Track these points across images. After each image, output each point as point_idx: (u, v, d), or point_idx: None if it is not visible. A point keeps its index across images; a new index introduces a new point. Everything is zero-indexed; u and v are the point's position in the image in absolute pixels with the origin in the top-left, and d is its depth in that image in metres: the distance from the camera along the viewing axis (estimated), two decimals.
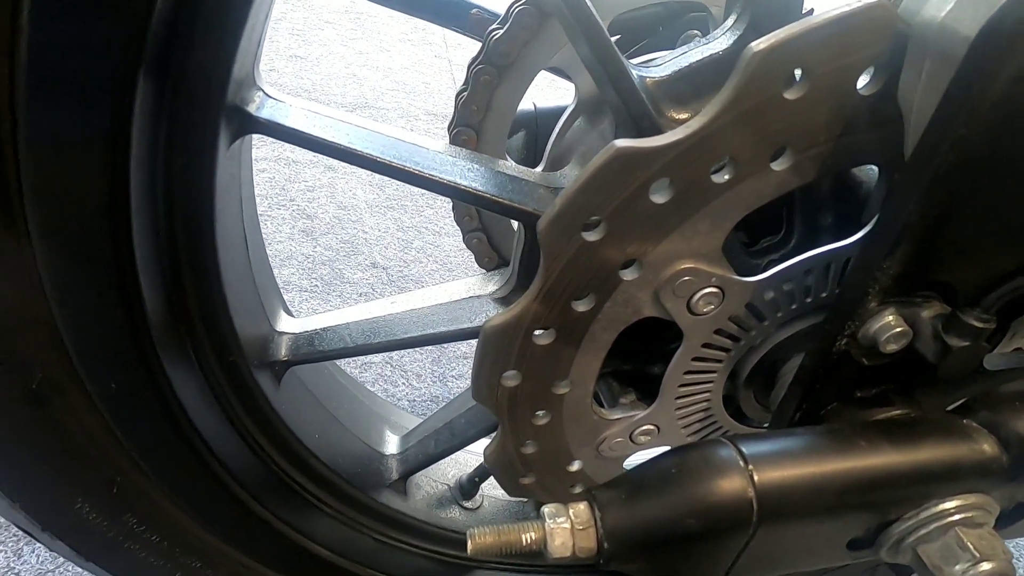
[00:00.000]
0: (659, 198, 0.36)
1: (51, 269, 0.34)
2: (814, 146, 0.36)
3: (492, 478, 0.79)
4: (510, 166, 0.55)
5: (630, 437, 0.52)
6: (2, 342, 0.35)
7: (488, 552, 0.36)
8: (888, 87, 0.34)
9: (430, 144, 0.52)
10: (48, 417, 0.39)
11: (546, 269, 0.39)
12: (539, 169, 0.69)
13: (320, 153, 0.46)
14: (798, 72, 0.34)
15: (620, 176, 0.35)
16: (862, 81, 0.35)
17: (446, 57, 2.17)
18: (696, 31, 0.75)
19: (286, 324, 0.60)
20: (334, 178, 1.59)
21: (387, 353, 1.26)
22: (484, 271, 0.89)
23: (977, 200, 0.33)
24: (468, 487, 0.77)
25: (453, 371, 1.28)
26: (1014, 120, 0.31)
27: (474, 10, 0.72)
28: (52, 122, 0.30)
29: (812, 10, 0.59)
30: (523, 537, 0.36)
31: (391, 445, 0.74)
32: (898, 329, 0.36)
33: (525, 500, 0.83)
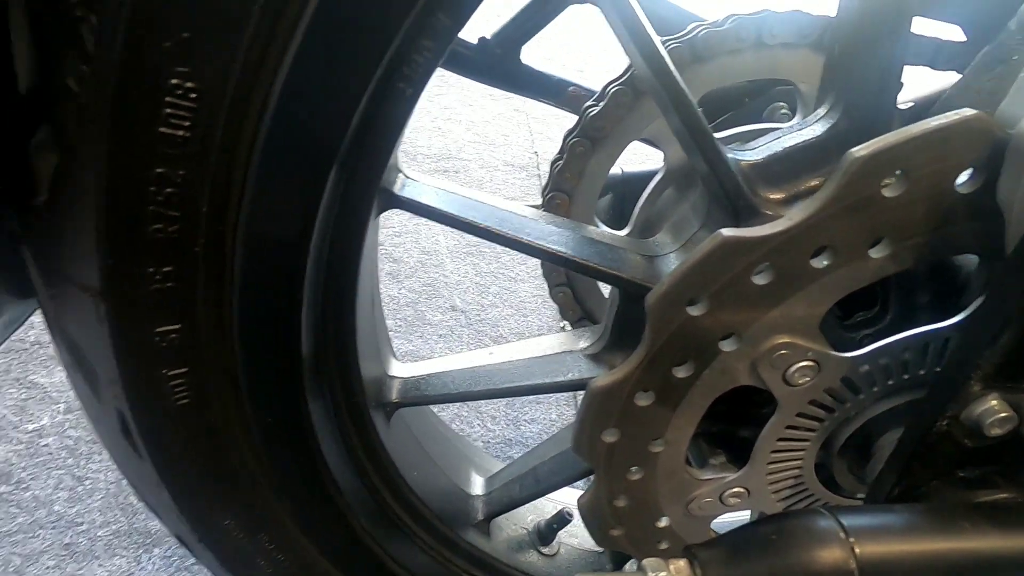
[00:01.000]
0: (760, 280, 0.40)
1: (242, 330, 0.41)
2: (912, 237, 0.39)
3: (569, 526, 0.82)
4: (606, 234, 0.60)
5: (720, 498, 0.53)
6: (197, 385, 0.42)
7: None
8: (987, 186, 0.37)
9: (537, 216, 0.57)
10: (216, 445, 0.46)
11: (651, 338, 0.43)
12: (626, 232, 0.74)
13: (449, 226, 0.53)
14: (896, 172, 0.37)
15: (725, 261, 0.39)
16: (960, 179, 0.37)
17: (524, 111, 2.28)
18: (782, 103, 0.78)
19: (396, 369, 0.66)
20: (419, 224, 1.70)
21: None
22: (566, 322, 0.94)
23: None
24: (546, 533, 0.80)
25: (526, 415, 1.31)
26: None
27: (571, 87, 0.79)
28: (265, 218, 0.37)
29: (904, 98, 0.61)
30: None
31: (477, 486, 0.78)
32: (1003, 414, 0.37)
33: (601, 551, 0.84)
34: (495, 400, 1.33)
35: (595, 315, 0.92)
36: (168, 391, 0.42)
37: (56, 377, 1.13)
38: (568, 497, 0.87)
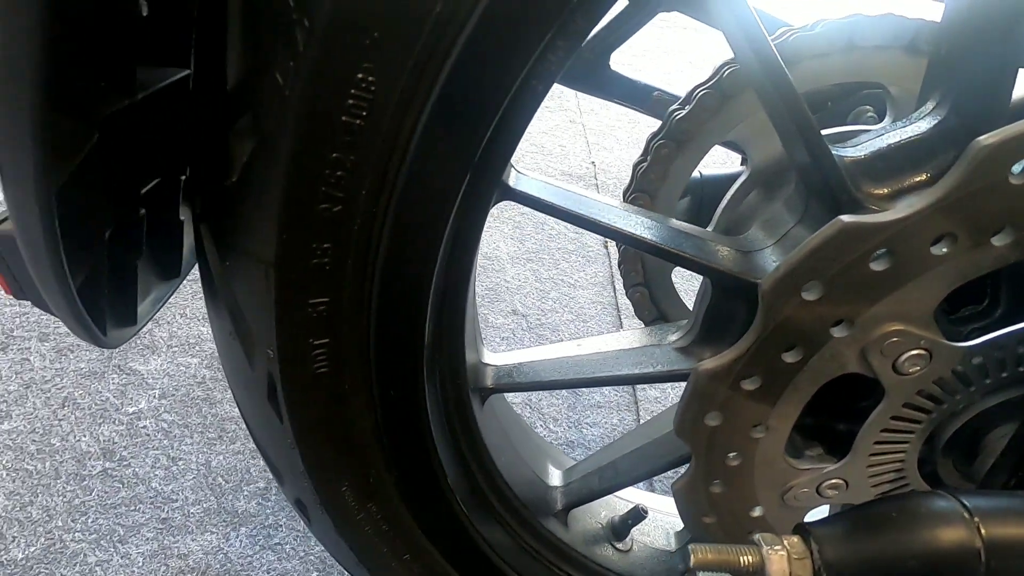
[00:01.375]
0: (878, 266, 0.41)
1: (379, 307, 0.45)
2: None
3: (641, 526, 0.83)
4: (698, 229, 0.61)
5: (816, 489, 0.54)
6: (335, 356, 0.46)
7: (707, 568, 0.40)
8: None
9: (633, 210, 0.60)
10: (345, 414, 0.50)
11: (763, 322, 0.44)
12: (710, 230, 0.76)
13: (552, 216, 0.56)
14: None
15: (843, 246, 0.41)
16: None
17: (580, 123, 2.32)
18: (868, 107, 0.79)
19: (489, 357, 0.69)
20: None
21: (527, 395, 1.34)
22: (641, 324, 0.95)
23: None
24: (620, 528, 0.81)
25: (588, 419, 1.33)
26: None
27: (656, 92, 0.81)
28: (411, 204, 0.41)
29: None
30: (741, 559, 0.40)
31: (555, 477, 0.80)
32: None
33: (673, 551, 0.85)
34: (557, 402, 1.34)
35: (669, 316, 0.93)
36: (312, 359, 0.46)
37: (152, 365, 1.21)
38: (637, 497, 0.88)
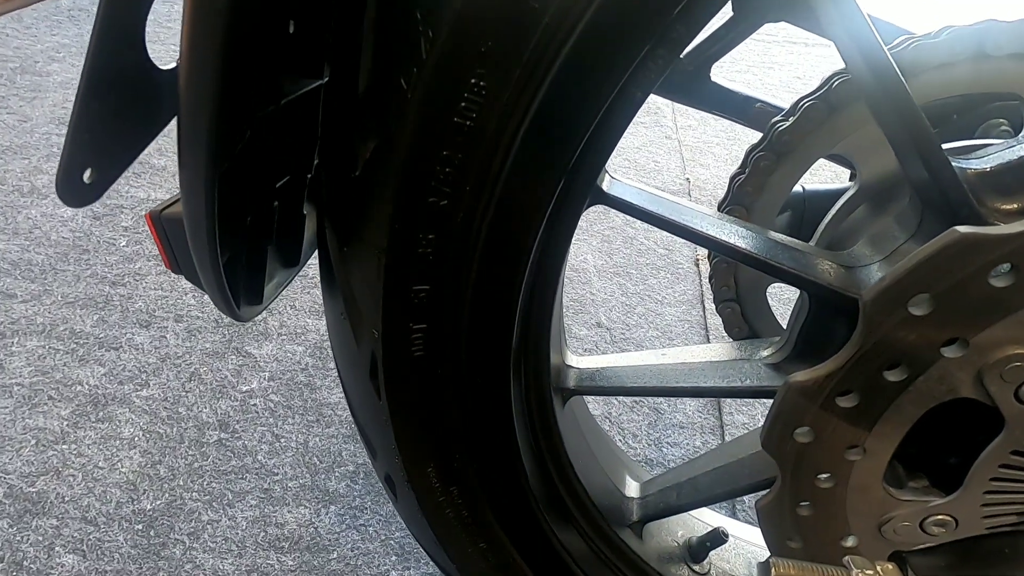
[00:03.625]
0: (999, 283, 0.38)
1: (474, 298, 0.48)
2: None
3: (721, 550, 0.80)
4: (798, 242, 0.60)
5: (920, 524, 0.50)
6: (432, 341, 0.50)
7: None
8: None
9: (728, 220, 0.59)
10: (438, 397, 0.53)
11: (863, 335, 0.42)
12: (811, 244, 0.73)
13: (644, 221, 0.57)
14: None
15: (958, 259, 0.38)
16: None
17: (676, 138, 2.28)
18: (1002, 119, 0.73)
19: (572, 360, 0.71)
20: None
21: (607, 409, 1.33)
22: (730, 339, 0.93)
23: None
24: (698, 550, 0.79)
25: (668, 438, 1.29)
26: None
27: (758, 104, 0.80)
28: (510, 202, 0.43)
29: None
30: None
31: (631, 489, 0.79)
32: None
33: None
34: (638, 419, 1.32)
35: (761, 335, 0.90)
36: (410, 342, 0.49)
37: (264, 350, 1.34)
38: (719, 522, 0.85)
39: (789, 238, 0.59)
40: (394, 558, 1.01)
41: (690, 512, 0.82)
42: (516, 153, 0.42)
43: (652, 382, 0.66)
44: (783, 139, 0.73)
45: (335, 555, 1.01)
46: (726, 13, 0.74)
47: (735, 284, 0.85)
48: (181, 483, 1.08)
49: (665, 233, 0.68)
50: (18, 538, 0.99)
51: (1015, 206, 0.48)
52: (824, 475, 0.50)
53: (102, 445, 1.13)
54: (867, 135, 0.70)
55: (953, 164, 0.48)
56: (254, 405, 1.22)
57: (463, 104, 0.38)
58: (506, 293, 0.49)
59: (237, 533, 1.02)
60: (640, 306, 1.61)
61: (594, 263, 1.73)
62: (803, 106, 0.71)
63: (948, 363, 0.42)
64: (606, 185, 0.54)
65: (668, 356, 0.69)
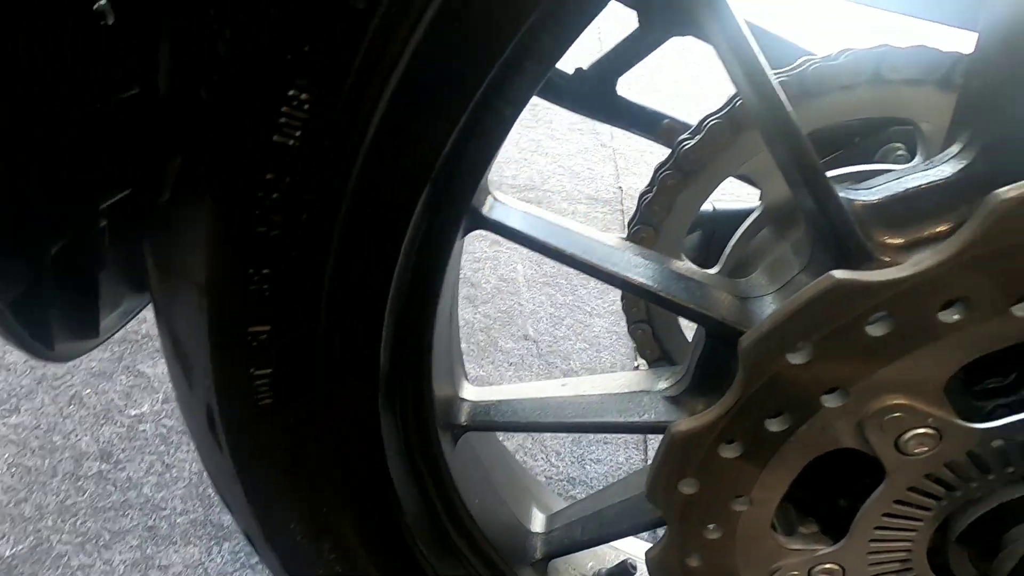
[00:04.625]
0: (876, 331, 0.36)
1: (327, 336, 0.42)
2: None
3: None
4: (695, 270, 0.57)
5: (808, 572, 0.48)
6: (279, 387, 0.43)
7: None
8: None
9: (624, 246, 0.56)
10: (291, 448, 0.47)
11: (743, 385, 0.39)
12: (715, 271, 0.70)
13: (533, 250, 0.52)
14: None
15: (835, 306, 0.36)
16: None
17: (611, 147, 2.28)
18: (899, 144, 0.73)
19: (467, 392, 0.65)
20: (499, 252, 1.72)
21: None
22: (642, 361, 0.90)
23: None
24: None
25: (592, 454, 1.26)
26: None
27: (666, 120, 0.77)
28: (359, 229, 0.38)
29: None
30: None
31: (537, 523, 0.75)
32: None
33: None
34: (562, 436, 1.29)
35: (674, 356, 0.87)
36: (253, 390, 0.43)
37: (159, 368, 1.22)
38: (632, 547, 0.82)
39: (686, 265, 0.56)
40: None
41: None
42: (358, 177, 0.36)
43: (549, 417, 0.62)
44: (690, 157, 0.71)
45: None
46: (632, 25, 0.71)
47: (645, 305, 0.83)
48: (50, 523, 0.97)
49: None
50: None
51: (902, 240, 0.46)
52: (712, 525, 0.46)
53: None
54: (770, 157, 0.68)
55: (840, 194, 0.46)
56: (143, 431, 1.11)
57: (282, 120, 0.32)
58: (365, 331, 0.44)
59: None
60: (569, 317, 1.58)
61: (524, 273, 1.69)
62: (708, 124, 0.69)
63: (829, 413, 0.39)
64: (486, 208, 0.49)
65: (568, 387, 0.65)
